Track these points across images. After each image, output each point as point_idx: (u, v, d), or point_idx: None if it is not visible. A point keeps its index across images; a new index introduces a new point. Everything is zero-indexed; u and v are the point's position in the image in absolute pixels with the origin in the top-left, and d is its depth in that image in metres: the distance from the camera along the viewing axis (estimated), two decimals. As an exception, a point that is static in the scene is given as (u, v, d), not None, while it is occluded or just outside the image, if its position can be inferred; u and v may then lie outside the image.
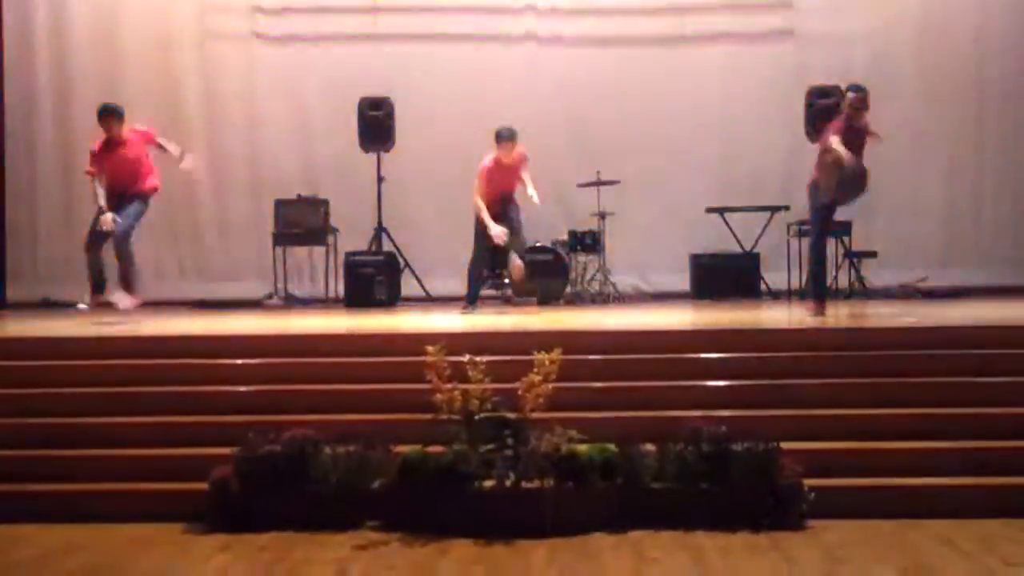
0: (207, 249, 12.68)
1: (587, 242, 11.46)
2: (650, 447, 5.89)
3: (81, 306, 9.43)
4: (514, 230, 9.64)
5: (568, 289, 11.21)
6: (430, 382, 5.92)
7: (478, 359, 5.98)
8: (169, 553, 5.48)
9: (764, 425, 6.08)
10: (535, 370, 5.89)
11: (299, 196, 11.85)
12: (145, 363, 7.27)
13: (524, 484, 5.69)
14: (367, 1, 12.70)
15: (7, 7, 12.57)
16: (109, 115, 9.32)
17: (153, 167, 9.56)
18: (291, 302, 11.64)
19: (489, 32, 12.74)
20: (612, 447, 5.84)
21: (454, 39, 12.62)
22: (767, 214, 11.69)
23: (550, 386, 5.86)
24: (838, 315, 8.75)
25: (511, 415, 5.86)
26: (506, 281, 10.68)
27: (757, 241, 11.72)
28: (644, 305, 10.99)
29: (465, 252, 10.14)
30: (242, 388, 6.96)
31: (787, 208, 11.61)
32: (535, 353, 5.98)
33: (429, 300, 11.48)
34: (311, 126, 12.67)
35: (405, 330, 8.30)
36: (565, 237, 11.44)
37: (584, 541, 5.50)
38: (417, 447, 5.89)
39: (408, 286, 11.63)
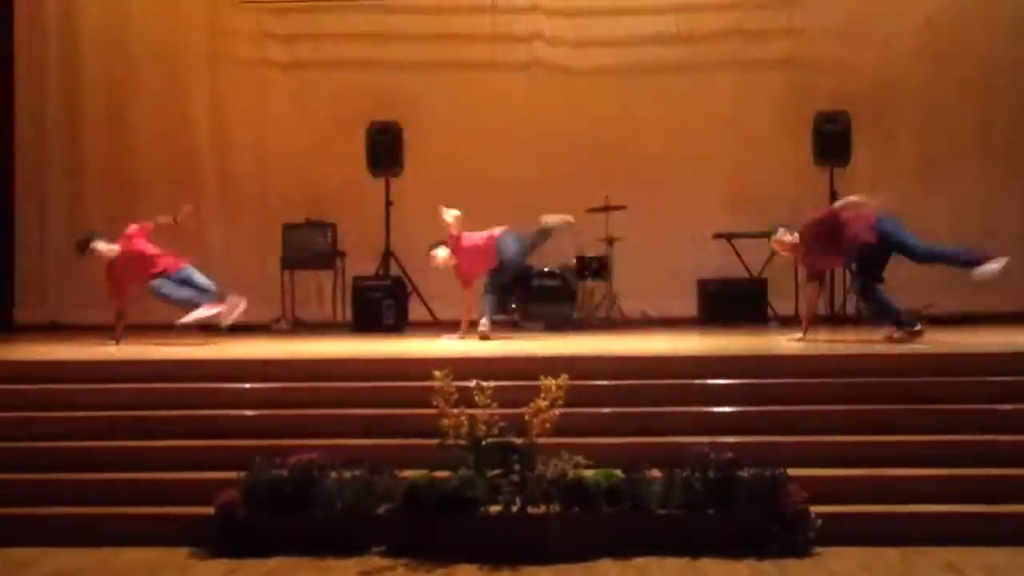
0: (214, 272, 12.63)
1: (594, 267, 11.45)
2: (656, 473, 5.89)
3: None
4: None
5: (575, 314, 11.21)
6: (437, 407, 5.92)
7: (485, 384, 5.97)
8: (175, 577, 5.49)
9: (771, 451, 6.08)
10: (542, 395, 5.89)
11: (307, 220, 11.87)
12: (152, 387, 7.29)
13: (530, 509, 5.70)
14: (376, 29, 12.79)
15: (19, 28, 12.66)
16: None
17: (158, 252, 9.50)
18: (298, 326, 11.65)
19: (497, 59, 12.80)
20: (618, 473, 5.84)
21: (462, 66, 12.67)
22: (775, 240, 11.67)
23: (557, 412, 5.87)
24: (845, 341, 8.73)
25: (518, 440, 5.86)
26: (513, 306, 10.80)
27: (764, 267, 11.70)
28: (651, 331, 10.96)
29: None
30: (249, 412, 6.98)
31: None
32: (542, 378, 5.98)
33: (437, 325, 11.47)
34: (319, 150, 12.70)
35: (412, 355, 8.31)
36: (573, 262, 11.44)
37: (590, 567, 5.49)
38: (423, 472, 5.89)
39: (416, 311, 11.63)
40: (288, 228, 11.80)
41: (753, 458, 5.85)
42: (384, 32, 12.83)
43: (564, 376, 5.95)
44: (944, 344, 8.27)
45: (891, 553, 5.62)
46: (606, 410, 6.76)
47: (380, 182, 11.78)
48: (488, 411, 5.87)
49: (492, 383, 6.04)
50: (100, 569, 5.61)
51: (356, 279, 11.36)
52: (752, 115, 12.49)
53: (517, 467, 5.77)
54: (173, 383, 7.33)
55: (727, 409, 6.78)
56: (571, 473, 5.75)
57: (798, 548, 5.59)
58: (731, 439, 6.30)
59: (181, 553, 5.82)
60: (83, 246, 9.51)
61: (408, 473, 5.95)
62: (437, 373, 5.98)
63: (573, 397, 6.02)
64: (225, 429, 6.79)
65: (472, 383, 6.00)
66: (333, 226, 11.81)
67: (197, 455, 6.56)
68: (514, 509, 5.69)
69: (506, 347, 8.87)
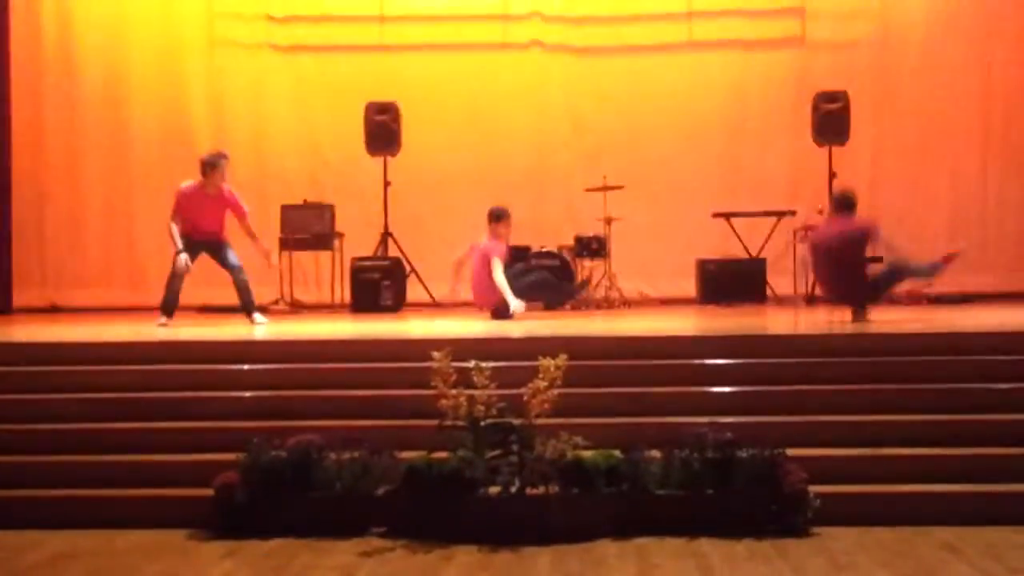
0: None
1: (593, 247, 11.44)
2: (655, 453, 5.89)
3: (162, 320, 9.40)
4: None
5: (574, 294, 11.21)
6: (436, 388, 5.92)
7: (484, 365, 5.97)
8: (174, 559, 5.49)
9: (770, 432, 6.08)
10: (540, 376, 5.89)
11: (305, 201, 11.86)
12: (151, 368, 7.28)
13: (529, 490, 5.70)
14: (374, 10, 12.74)
15: (15, 14, 12.60)
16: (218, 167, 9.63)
17: None
18: (297, 307, 11.64)
19: (495, 39, 12.76)
20: (617, 453, 5.84)
21: (461, 47, 12.64)
22: (773, 219, 11.67)
23: (555, 392, 5.87)
24: (844, 321, 8.72)
25: (516, 421, 5.86)
26: None
27: (763, 246, 11.71)
28: (650, 310, 10.98)
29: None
30: (247, 394, 6.97)
31: (793, 213, 11.60)
32: (540, 359, 5.97)
33: (435, 305, 11.48)
34: (318, 131, 12.69)
35: (411, 336, 8.30)
36: (571, 242, 11.44)
37: (589, 548, 5.50)
38: (422, 453, 5.89)
39: (414, 291, 11.63)
40: (286, 209, 11.79)
41: (752, 438, 5.85)
42: (382, 12, 12.79)
43: (563, 356, 5.95)
44: (942, 324, 8.29)
45: (889, 533, 5.62)
46: (605, 390, 6.75)
47: (378, 162, 11.76)
48: (487, 392, 5.87)
49: (491, 363, 6.05)
50: (100, 551, 5.62)
51: (354, 260, 11.36)
52: (752, 94, 12.49)
53: (516, 448, 5.78)
54: (171, 364, 7.33)
55: (726, 389, 6.78)
56: (570, 453, 5.75)
57: (796, 528, 5.60)
58: (730, 419, 6.31)
59: (180, 535, 5.82)
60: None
61: (407, 454, 5.96)
62: (436, 354, 5.98)
63: (572, 377, 6.02)
64: (224, 411, 6.78)
65: (471, 364, 6.00)
66: (331, 207, 11.80)
67: (196, 437, 6.56)
68: (513, 490, 5.69)
69: (504, 327, 8.87)
